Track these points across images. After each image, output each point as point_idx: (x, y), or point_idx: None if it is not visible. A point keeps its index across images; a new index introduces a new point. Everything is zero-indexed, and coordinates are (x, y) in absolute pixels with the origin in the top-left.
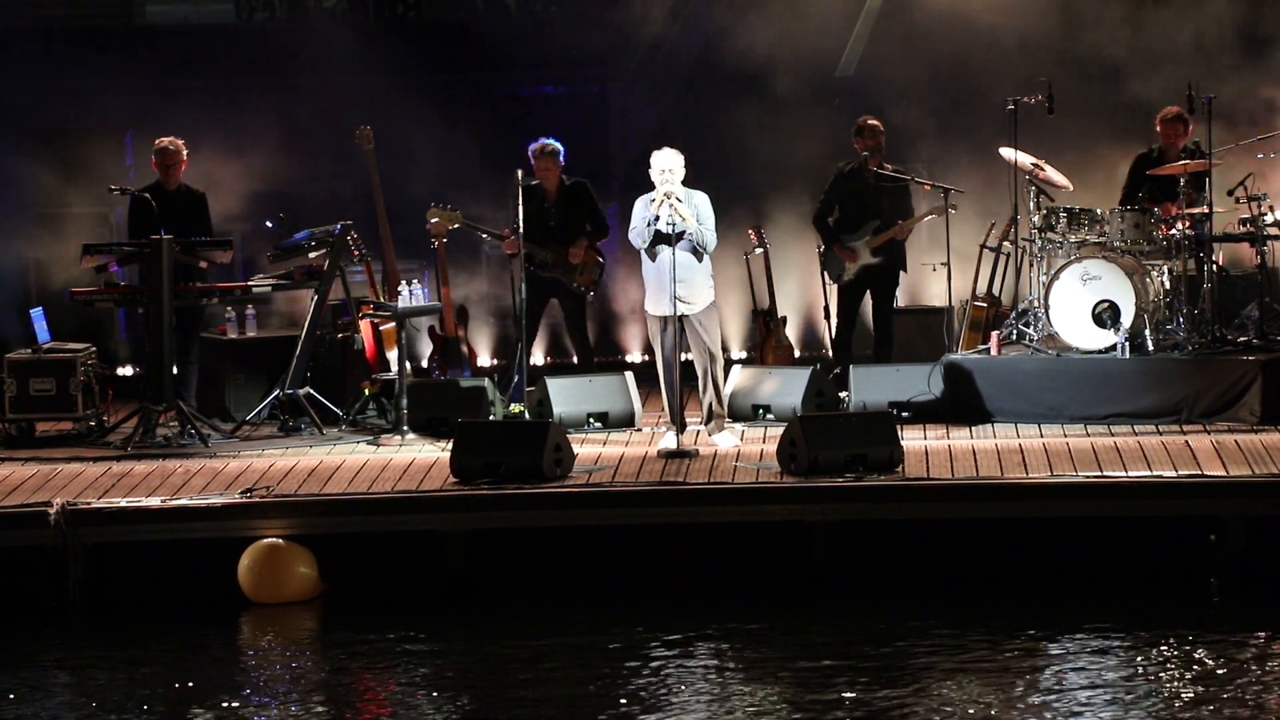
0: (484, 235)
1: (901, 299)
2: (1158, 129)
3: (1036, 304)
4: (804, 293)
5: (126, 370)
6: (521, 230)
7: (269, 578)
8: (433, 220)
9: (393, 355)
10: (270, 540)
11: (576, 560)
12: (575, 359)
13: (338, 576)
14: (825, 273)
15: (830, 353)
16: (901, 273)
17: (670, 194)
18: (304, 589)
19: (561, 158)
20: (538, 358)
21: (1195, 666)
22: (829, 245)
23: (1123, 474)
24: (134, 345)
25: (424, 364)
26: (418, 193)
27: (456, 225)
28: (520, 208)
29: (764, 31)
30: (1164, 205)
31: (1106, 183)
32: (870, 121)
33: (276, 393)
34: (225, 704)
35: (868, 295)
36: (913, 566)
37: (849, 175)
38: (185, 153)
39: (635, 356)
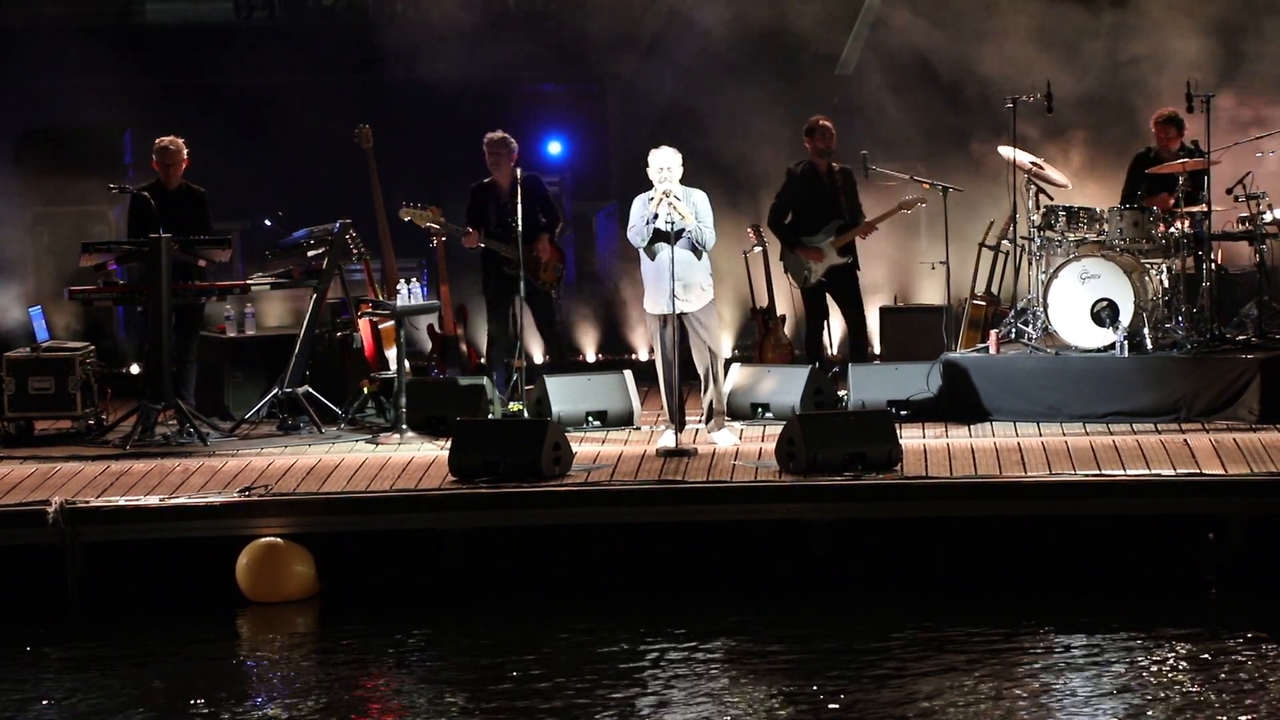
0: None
1: (901, 298)
2: (1152, 130)
3: (1035, 302)
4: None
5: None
6: (521, 228)
7: (267, 576)
8: (405, 219)
9: (391, 354)
10: (268, 539)
11: (575, 559)
12: (547, 357)
13: (336, 575)
14: (789, 275)
15: (832, 351)
16: (857, 272)
17: (669, 192)
18: (302, 588)
19: (514, 150)
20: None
21: (1193, 665)
22: (791, 247)
23: (1121, 473)
24: (133, 343)
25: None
26: (416, 191)
27: (429, 224)
28: (520, 206)
29: (763, 30)
30: (1160, 196)
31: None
32: (822, 122)
33: (275, 391)
34: (223, 703)
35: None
36: (912, 565)
37: (801, 176)
38: (186, 151)
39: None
